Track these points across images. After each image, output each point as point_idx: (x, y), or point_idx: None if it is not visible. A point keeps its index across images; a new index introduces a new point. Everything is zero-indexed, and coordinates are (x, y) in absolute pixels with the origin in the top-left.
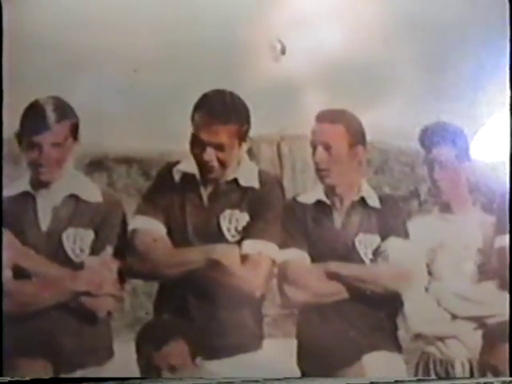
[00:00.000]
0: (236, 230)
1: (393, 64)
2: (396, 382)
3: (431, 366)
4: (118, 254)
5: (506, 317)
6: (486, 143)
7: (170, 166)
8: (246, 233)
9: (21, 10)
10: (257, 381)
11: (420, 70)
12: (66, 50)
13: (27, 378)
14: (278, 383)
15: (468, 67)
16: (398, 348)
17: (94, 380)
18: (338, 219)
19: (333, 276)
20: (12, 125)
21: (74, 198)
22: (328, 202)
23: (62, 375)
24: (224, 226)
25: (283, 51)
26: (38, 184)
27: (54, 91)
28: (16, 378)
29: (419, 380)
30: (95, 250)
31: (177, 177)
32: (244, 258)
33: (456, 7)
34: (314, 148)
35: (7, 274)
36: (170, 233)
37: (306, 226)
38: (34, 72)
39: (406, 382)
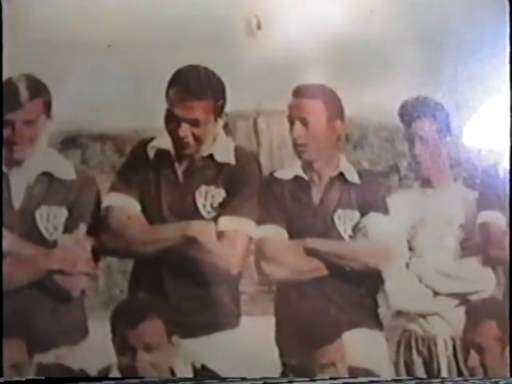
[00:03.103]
0: (212, 206)
1: (373, 39)
2: (371, 382)
3: (413, 344)
4: (91, 231)
5: (490, 293)
6: (467, 118)
7: (144, 143)
8: (222, 209)
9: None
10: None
11: (400, 45)
12: (43, 29)
13: (27, 379)
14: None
15: (449, 42)
16: (379, 325)
17: (95, 380)
18: (316, 195)
19: (311, 252)
20: None
21: (47, 175)
22: (306, 177)
23: (37, 354)
24: (200, 202)
25: (259, 26)
26: (11, 162)
27: (28, 69)
28: (15, 379)
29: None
30: (69, 227)
31: (151, 153)
32: (220, 235)
33: None
34: (292, 123)
35: None
36: (144, 210)
37: (284, 202)
38: (12, 51)
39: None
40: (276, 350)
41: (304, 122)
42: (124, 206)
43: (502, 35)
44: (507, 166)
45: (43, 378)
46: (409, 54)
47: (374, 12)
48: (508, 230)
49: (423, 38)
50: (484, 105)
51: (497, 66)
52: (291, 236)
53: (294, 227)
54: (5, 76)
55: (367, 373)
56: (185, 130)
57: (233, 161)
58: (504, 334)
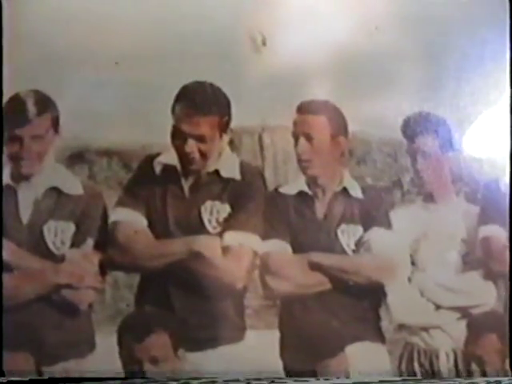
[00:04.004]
0: (217, 221)
1: (376, 55)
2: (381, 382)
3: (415, 357)
4: (98, 246)
5: (491, 306)
6: (470, 133)
7: (150, 158)
8: (227, 224)
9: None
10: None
11: (403, 61)
12: (51, 45)
13: (27, 379)
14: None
15: (451, 57)
16: (382, 339)
17: (95, 380)
18: (320, 210)
19: (315, 267)
20: None
21: (55, 190)
22: (310, 192)
23: (44, 368)
24: (205, 217)
25: (264, 42)
26: (19, 177)
27: (36, 85)
28: (16, 379)
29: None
30: (76, 242)
31: (158, 169)
32: (225, 250)
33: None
34: (296, 139)
35: None
36: (150, 225)
37: (288, 217)
38: (18, 66)
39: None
40: (280, 363)
41: (308, 138)
42: (131, 220)
43: (502, 49)
44: (507, 181)
45: (47, 378)
46: (412, 69)
47: (379, 28)
48: (508, 244)
49: (426, 53)
50: (486, 120)
51: (498, 81)
52: (295, 250)
53: (298, 242)
54: (11, 89)
55: None
56: (191, 146)
57: (238, 176)
58: (504, 347)
